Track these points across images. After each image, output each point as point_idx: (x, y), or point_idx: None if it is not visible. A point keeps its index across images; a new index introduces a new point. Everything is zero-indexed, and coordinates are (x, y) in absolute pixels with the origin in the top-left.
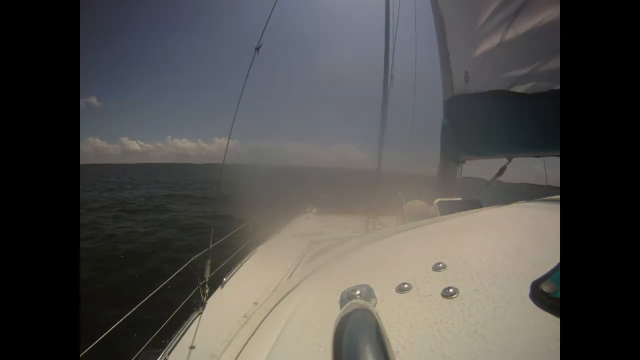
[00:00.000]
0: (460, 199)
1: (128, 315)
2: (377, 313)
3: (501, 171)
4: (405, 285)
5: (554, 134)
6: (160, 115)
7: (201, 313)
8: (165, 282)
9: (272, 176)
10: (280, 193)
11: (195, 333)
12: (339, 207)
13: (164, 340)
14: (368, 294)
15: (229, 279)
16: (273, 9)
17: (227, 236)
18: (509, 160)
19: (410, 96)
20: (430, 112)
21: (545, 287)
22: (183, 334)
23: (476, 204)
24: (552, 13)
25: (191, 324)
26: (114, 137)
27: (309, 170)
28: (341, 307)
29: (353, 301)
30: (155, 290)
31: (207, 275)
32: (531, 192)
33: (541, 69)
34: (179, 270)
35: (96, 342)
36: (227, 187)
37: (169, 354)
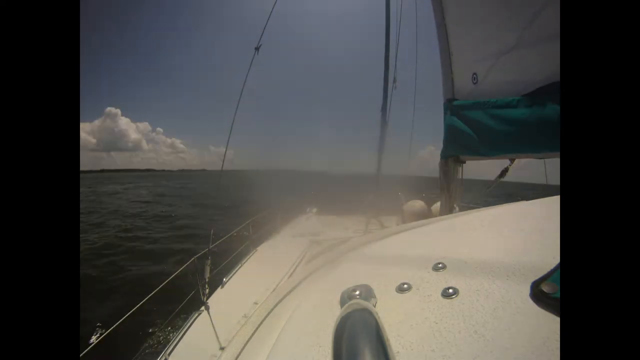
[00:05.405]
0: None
1: (128, 316)
2: (377, 313)
3: (503, 173)
4: (405, 285)
5: (556, 134)
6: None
7: (201, 313)
8: (165, 282)
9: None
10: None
11: (196, 333)
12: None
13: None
14: (368, 294)
15: (229, 279)
16: (273, 8)
17: (227, 236)
18: (512, 161)
19: (410, 96)
20: (429, 112)
21: (545, 287)
22: (183, 334)
23: None
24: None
25: (191, 324)
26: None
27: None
28: (341, 307)
29: (353, 301)
30: (155, 291)
31: (207, 275)
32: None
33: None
34: (179, 271)
35: (96, 342)
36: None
37: (169, 354)
